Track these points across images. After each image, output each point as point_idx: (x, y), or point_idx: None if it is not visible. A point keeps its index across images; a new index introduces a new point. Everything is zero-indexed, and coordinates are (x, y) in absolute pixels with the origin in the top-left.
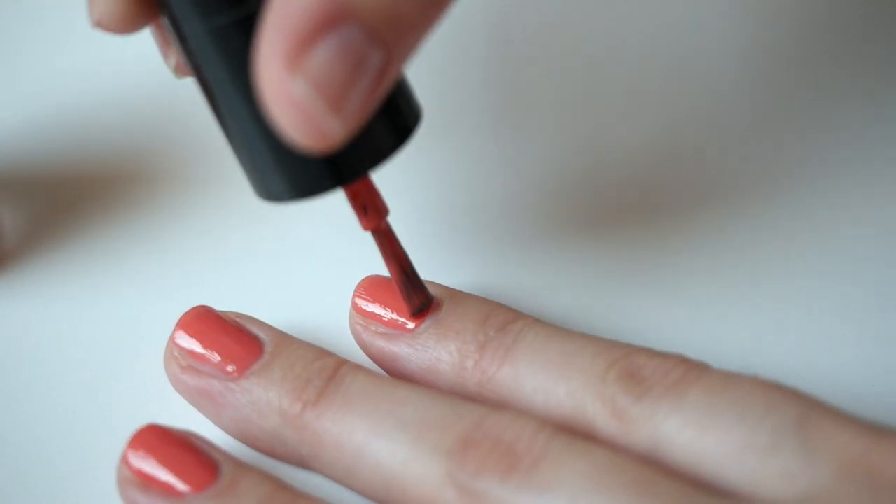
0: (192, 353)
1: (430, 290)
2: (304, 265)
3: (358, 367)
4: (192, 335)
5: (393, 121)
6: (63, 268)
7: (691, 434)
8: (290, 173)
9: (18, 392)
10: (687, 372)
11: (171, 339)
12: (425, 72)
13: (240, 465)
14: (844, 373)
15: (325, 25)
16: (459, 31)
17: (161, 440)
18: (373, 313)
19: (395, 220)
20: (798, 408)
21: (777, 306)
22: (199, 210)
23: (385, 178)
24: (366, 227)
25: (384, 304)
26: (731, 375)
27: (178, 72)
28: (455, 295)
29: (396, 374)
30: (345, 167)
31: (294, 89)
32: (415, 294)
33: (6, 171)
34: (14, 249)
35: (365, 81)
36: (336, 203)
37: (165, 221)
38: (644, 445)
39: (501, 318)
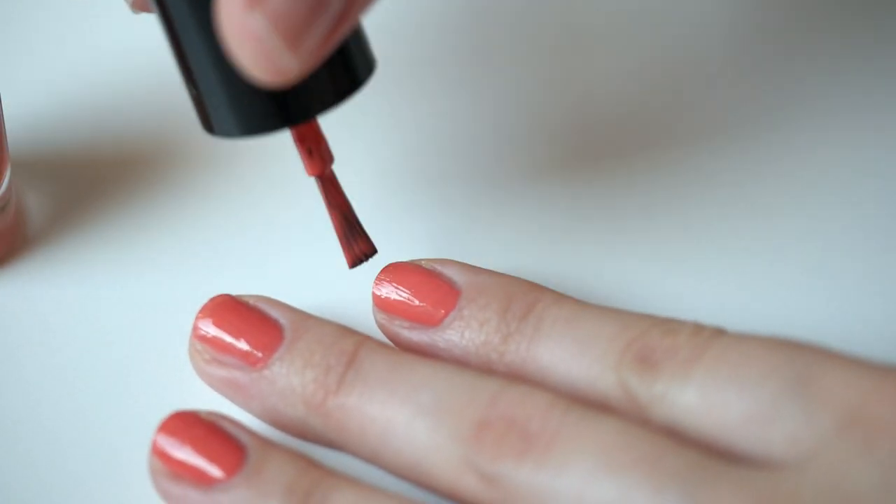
0: (214, 344)
1: (456, 273)
2: (327, 242)
3: (376, 347)
4: (212, 326)
5: (345, 69)
6: (88, 249)
7: (699, 414)
8: (241, 111)
9: (44, 373)
10: (696, 346)
11: (193, 332)
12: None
13: (267, 447)
14: (872, 331)
15: None
16: None
17: (188, 426)
18: (395, 303)
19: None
20: (799, 365)
21: (802, 265)
22: (223, 190)
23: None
24: (310, 172)
25: (408, 288)
26: (737, 341)
27: (135, 6)
28: (475, 280)
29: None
30: (293, 109)
31: (252, 24)
32: (356, 242)
33: (31, 153)
34: (40, 231)
35: (324, 22)
36: (362, 187)
37: (190, 201)
38: (663, 427)
39: (522, 303)
